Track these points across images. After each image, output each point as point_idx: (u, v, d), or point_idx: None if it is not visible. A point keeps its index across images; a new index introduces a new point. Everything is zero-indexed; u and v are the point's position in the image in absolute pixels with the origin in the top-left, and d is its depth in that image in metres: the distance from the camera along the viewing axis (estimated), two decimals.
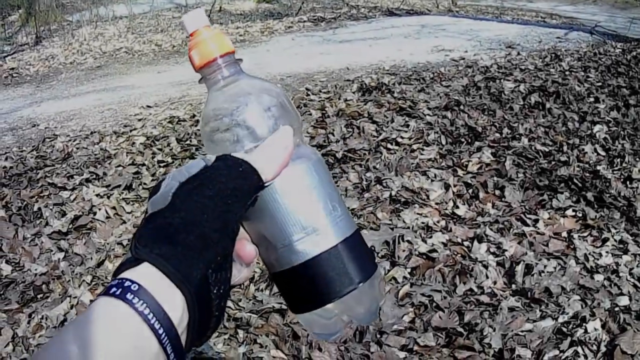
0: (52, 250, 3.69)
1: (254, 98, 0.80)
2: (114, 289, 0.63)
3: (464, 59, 7.83)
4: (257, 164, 0.74)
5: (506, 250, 3.27)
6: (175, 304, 0.64)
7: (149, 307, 0.62)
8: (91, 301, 0.61)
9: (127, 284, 0.63)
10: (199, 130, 5.51)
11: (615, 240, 3.35)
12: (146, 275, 0.64)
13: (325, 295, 0.78)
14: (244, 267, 0.78)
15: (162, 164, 4.82)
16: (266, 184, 0.75)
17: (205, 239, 0.68)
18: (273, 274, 0.81)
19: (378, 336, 2.70)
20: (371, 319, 0.85)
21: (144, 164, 4.84)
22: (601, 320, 2.72)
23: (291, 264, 0.77)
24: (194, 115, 6.06)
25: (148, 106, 6.79)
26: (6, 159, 5.41)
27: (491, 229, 3.47)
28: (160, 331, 0.62)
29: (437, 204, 3.80)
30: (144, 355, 0.61)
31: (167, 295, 0.64)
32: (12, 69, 10.74)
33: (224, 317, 0.75)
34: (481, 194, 3.88)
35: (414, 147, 4.65)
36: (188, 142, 5.25)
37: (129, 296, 0.62)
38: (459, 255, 3.27)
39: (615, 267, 3.14)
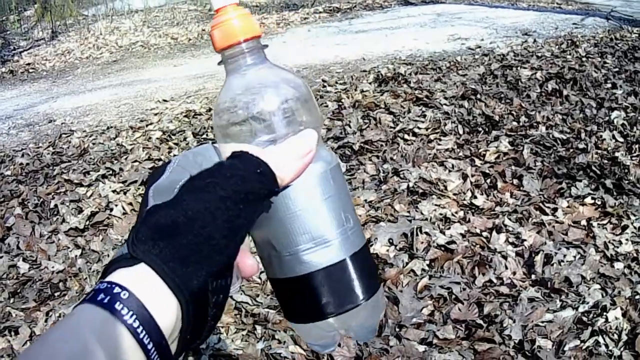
0: (69, 247, 3.69)
1: (274, 89, 0.76)
2: (101, 296, 0.58)
3: (480, 47, 7.80)
4: (275, 166, 0.69)
5: (525, 240, 3.24)
6: (168, 313, 0.60)
7: (138, 319, 0.58)
8: (75, 306, 0.54)
9: (116, 290, 0.59)
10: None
11: (635, 228, 3.31)
12: (140, 278, 0.60)
13: (327, 310, 0.74)
14: (238, 280, 0.73)
15: None
16: (280, 190, 0.71)
17: (212, 244, 0.63)
18: (273, 279, 0.78)
19: (397, 330, 2.68)
20: (369, 336, 0.82)
21: (160, 159, 4.84)
22: (622, 309, 2.69)
23: (296, 274, 0.74)
24: (210, 109, 6.06)
25: (164, 100, 6.81)
26: (22, 155, 5.44)
27: (510, 219, 3.44)
28: (150, 346, 0.58)
29: (455, 194, 3.77)
30: None
31: (160, 303, 0.60)
32: (28, 64, 10.84)
33: (217, 324, 0.71)
34: (499, 184, 3.84)
35: (431, 137, 4.62)
36: (204, 136, 5.25)
37: (117, 306, 0.57)
38: (478, 246, 3.25)
39: (635, 254, 3.10)
